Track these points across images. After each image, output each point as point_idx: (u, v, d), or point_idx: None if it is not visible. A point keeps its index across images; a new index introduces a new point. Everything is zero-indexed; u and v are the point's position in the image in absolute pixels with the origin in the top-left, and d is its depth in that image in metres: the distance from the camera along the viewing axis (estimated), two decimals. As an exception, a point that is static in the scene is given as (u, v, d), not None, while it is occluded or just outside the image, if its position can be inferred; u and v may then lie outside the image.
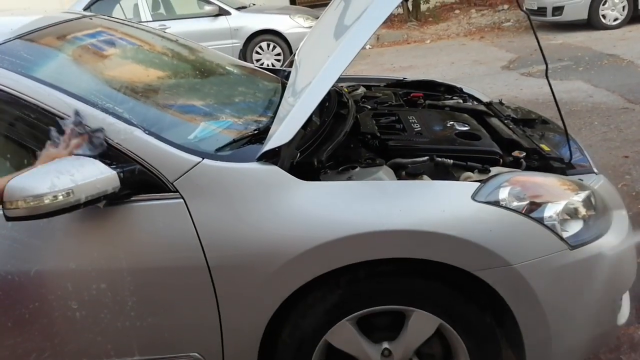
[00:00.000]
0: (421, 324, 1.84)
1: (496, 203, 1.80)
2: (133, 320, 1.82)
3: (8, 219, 1.60)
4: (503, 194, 1.82)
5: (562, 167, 2.15)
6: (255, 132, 2.02)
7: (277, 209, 1.77)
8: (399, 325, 1.89)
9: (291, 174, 1.82)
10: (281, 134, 1.81)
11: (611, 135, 4.70)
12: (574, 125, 4.94)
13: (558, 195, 1.91)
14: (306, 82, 1.96)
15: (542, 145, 2.30)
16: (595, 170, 2.18)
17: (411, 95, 2.96)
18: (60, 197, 1.60)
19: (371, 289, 1.83)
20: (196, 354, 1.86)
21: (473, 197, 1.80)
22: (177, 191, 1.77)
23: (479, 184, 1.85)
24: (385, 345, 1.88)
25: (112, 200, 1.75)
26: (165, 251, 1.78)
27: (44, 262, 1.78)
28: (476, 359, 1.87)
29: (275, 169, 1.81)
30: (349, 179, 1.94)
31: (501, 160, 2.20)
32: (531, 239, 1.79)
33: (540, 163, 2.20)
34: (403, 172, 2.05)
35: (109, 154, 1.77)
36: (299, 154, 1.88)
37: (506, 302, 1.80)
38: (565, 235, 1.83)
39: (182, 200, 1.77)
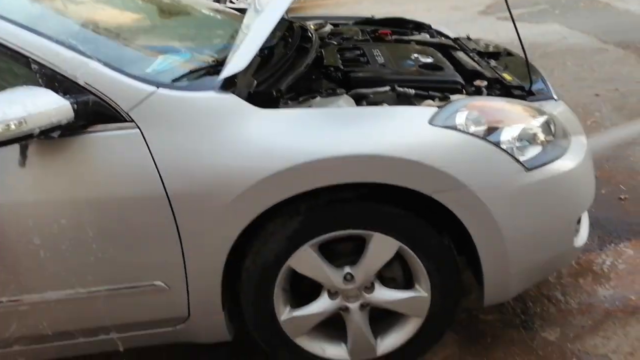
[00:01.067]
0: (381, 248, 1.87)
1: (453, 127, 1.81)
2: (95, 252, 1.82)
3: (-40, 148, 1.59)
4: (460, 118, 1.83)
5: (523, 95, 2.16)
6: (213, 63, 1.99)
7: (234, 137, 1.76)
8: (361, 251, 1.92)
9: (250, 103, 1.81)
10: (236, 61, 1.79)
11: (584, 75, 4.72)
12: (547, 66, 4.93)
13: (515, 119, 1.92)
14: (261, 10, 1.94)
15: (505, 75, 2.31)
16: (555, 97, 2.20)
17: (379, 32, 2.93)
18: (13, 127, 1.59)
19: (331, 214, 1.85)
20: (160, 283, 1.87)
21: (430, 122, 1.81)
22: (132, 121, 1.76)
23: (436, 109, 1.86)
24: (347, 269, 1.91)
25: (67, 131, 1.73)
26: (124, 182, 1.77)
27: (1, 194, 1.77)
28: (435, 280, 1.92)
29: (232, 97, 1.80)
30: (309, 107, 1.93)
31: (464, 90, 2.20)
32: (487, 161, 1.81)
33: (502, 91, 2.21)
34: (364, 102, 2.05)
35: (64, 84, 1.74)
36: (255, 83, 1.87)
37: (463, 224, 1.83)
38: (522, 158, 1.86)
39: (138, 130, 1.76)
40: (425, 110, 1.85)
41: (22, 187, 1.78)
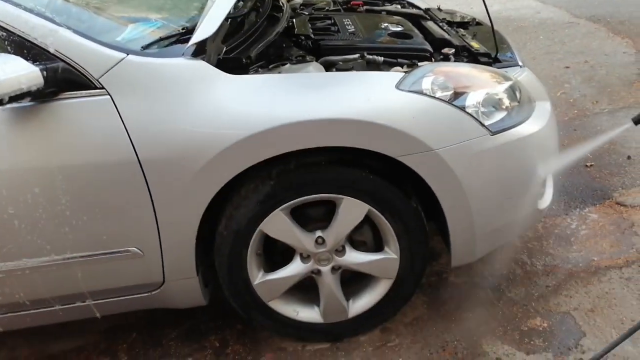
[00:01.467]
0: (350, 211, 1.91)
1: (419, 92, 1.85)
2: (69, 219, 1.84)
3: None
4: (426, 83, 1.88)
5: (489, 61, 2.21)
6: (184, 30, 2.00)
7: (204, 103, 1.78)
8: (332, 216, 1.97)
9: (219, 69, 1.83)
10: (204, 27, 1.81)
11: (555, 48, 4.79)
12: (519, 40, 5.01)
13: (481, 85, 1.97)
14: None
15: (473, 43, 2.36)
16: (520, 64, 2.25)
17: (351, 3, 2.95)
18: (-19, 92, 1.59)
19: (302, 179, 1.88)
20: (135, 249, 1.90)
21: (397, 87, 1.85)
22: (103, 88, 1.77)
23: (403, 74, 1.89)
24: (319, 233, 1.96)
25: (37, 98, 1.74)
26: (95, 148, 1.79)
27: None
28: (404, 242, 1.97)
29: (201, 64, 1.81)
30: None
31: (432, 57, 2.25)
32: (453, 125, 1.86)
33: (469, 59, 2.25)
34: (334, 69, 2.08)
35: (33, 52, 1.74)
36: (224, 49, 1.89)
37: (430, 187, 1.88)
38: (487, 122, 1.91)
39: (108, 96, 1.77)
40: (392, 75, 1.89)
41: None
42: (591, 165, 3.00)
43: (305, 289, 2.10)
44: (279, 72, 1.97)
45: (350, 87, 1.85)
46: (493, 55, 2.23)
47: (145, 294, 2.02)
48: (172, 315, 2.32)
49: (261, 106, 1.79)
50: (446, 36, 2.41)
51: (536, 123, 2.03)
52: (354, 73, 1.96)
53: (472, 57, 2.25)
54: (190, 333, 2.29)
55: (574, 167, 3.00)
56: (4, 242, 1.86)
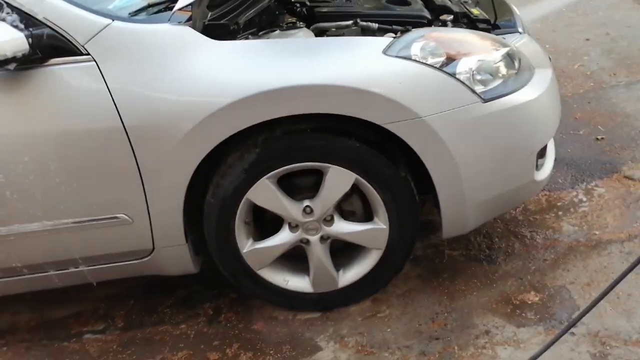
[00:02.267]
0: (337, 179, 1.89)
1: (408, 57, 1.81)
2: (58, 185, 1.86)
3: None
4: (416, 48, 1.83)
5: (487, 28, 2.15)
6: (173, -2, 1.99)
7: (188, 69, 1.78)
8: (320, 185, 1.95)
9: (205, 35, 1.82)
10: (189, -8, 1.79)
11: (576, 20, 4.62)
12: (540, 12, 4.87)
13: (474, 50, 1.91)
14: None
15: (473, 10, 2.29)
16: (520, 30, 2.18)
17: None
18: (-36, 57, 1.61)
19: (287, 147, 1.87)
20: (123, 216, 1.92)
21: (384, 52, 1.81)
22: (88, 54, 1.77)
23: (391, 39, 1.85)
24: (307, 202, 1.94)
25: (23, 64, 1.75)
26: (82, 115, 1.80)
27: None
28: (393, 212, 1.94)
29: (186, 29, 1.81)
30: (268, 41, 1.93)
31: (431, 24, 2.19)
32: (442, 92, 1.81)
33: (468, 26, 2.19)
34: (325, 36, 2.04)
35: (19, 18, 1.75)
36: (210, 15, 1.87)
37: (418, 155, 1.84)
38: (479, 89, 1.85)
39: (94, 62, 1.77)
40: (379, 41, 1.85)
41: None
42: (602, 138, 2.91)
43: (296, 259, 2.09)
44: (268, 39, 1.95)
45: (336, 53, 1.82)
46: (492, 22, 2.16)
47: (136, 261, 2.04)
48: (168, 284, 2.34)
49: (244, 72, 1.78)
50: (447, 2, 2.34)
51: (533, 91, 1.97)
52: (340, 38, 1.93)
53: (471, 23, 2.19)
54: (185, 301, 2.31)
55: (584, 139, 2.92)
56: (-5, 208, 1.89)
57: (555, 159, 2.68)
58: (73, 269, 2.04)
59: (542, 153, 2.09)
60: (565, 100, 3.31)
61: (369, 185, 1.90)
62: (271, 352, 2.01)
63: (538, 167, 2.08)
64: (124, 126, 1.78)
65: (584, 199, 2.52)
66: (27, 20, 1.75)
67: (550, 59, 2.36)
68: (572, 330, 1.89)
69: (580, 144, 2.90)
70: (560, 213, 2.46)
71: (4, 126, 1.81)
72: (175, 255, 2.02)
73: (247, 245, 2.01)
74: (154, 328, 2.20)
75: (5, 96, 1.80)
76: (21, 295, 2.29)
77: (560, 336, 1.72)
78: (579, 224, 2.37)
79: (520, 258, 2.25)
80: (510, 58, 1.98)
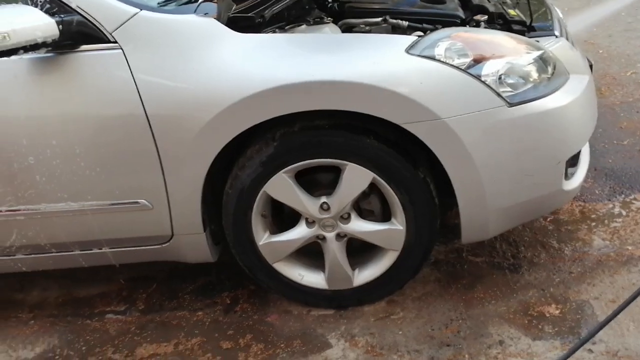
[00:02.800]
0: (355, 178, 1.87)
1: (431, 57, 1.77)
2: (83, 168, 1.92)
3: (-51, 57, 1.69)
4: (440, 48, 1.79)
5: (522, 30, 2.08)
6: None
7: (211, 60, 1.79)
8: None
9: (230, 28, 1.83)
10: (215, -16, 1.81)
11: (635, 26, 4.45)
12: (598, 15, 4.70)
13: (503, 53, 1.85)
14: None
15: (510, 11, 2.22)
16: (557, 34, 2.10)
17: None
18: (-3, 40, 1.67)
19: (305, 142, 1.86)
20: (144, 201, 1.96)
21: (407, 51, 1.77)
22: (115, 42, 1.81)
23: (416, 38, 1.82)
24: (324, 199, 1.93)
25: (54, 49, 1.81)
26: (107, 101, 1.84)
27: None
28: (410, 214, 1.91)
29: (211, 21, 1.82)
30: (294, 36, 1.93)
31: (465, 24, 2.14)
32: (464, 94, 1.77)
33: (503, 27, 2.13)
34: (353, 32, 2.02)
35: (51, 4, 1.81)
36: (234, 7, 1.88)
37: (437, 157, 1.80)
38: (506, 93, 1.80)
39: (120, 50, 1.81)
40: (402, 39, 1.82)
41: (16, 102, 1.88)
42: (647, 150, 2.78)
43: (312, 255, 2.09)
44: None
45: (357, 50, 1.80)
46: (528, 24, 2.09)
47: (156, 246, 2.08)
48: (190, 271, 2.38)
49: (266, 66, 1.78)
50: (484, 3, 2.28)
51: (565, 97, 1.89)
52: (364, 35, 1.91)
53: (506, 25, 2.12)
54: (205, 289, 2.35)
55: (628, 150, 2.79)
56: (25, 187, 1.96)
57: (595, 169, 2.61)
58: (97, 250, 2.10)
59: (573, 162, 2.02)
60: (612, 109, 3.19)
61: (386, 185, 1.88)
62: (282, 345, 2.02)
63: (568, 176, 2.00)
64: (146, 114, 1.82)
65: (620, 213, 2.41)
66: (59, 7, 1.81)
67: (591, 64, 2.28)
68: (591, 347, 1.82)
69: (622, 154, 2.78)
70: (593, 225, 2.37)
71: (36, 109, 1.87)
72: (193, 243, 2.05)
73: (263, 238, 2.02)
74: (172, 313, 2.25)
75: (37, 80, 1.86)
76: (52, 272, 2.39)
77: (575, 350, 1.65)
78: (610, 238, 2.28)
79: (545, 269, 2.18)
80: (543, 62, 1.91)
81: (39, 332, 2.25)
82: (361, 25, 2.04)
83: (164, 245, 2.07)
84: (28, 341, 2.21)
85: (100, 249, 2.10)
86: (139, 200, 1.96)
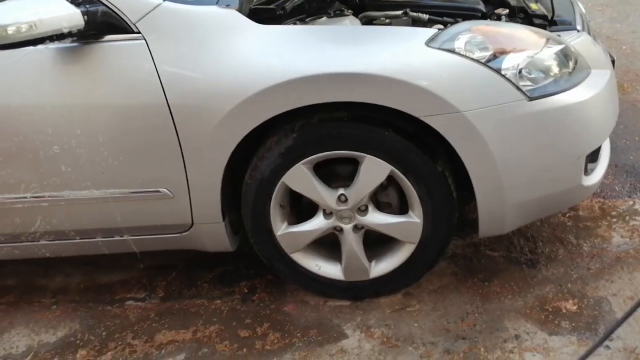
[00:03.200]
0: (372, 170, 1.88)
1: (451, 50, 1.77)
2: (106, 157, 1.95)
3: (-23, 47, 1.73)
4: (460, 41, 1.79)
5: (544, 24, 2.07)
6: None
7: (232, 51, 1.82)
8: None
9: (251, 19, 1.85)
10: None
11: (660, 22, 4.38)
12: (623, 11, 4.64)
13: (523, 46, 1.85)
14: None
15: (532, 5, 2.21)
16: (578, 28, 2.08)
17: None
18: (24, 29, 1.71)
19: (324, 134, 1.87)
20: (165, 190, 1.99)
21: (427, 43, 1.78)
22: (139, 32, 1.84)
23: (436, 30, 1.82)
24: (341, 191, 1.95)
25: (78, 39, 1.84)
26: (130, 90, 1.87)
27: (22, 96, 1.92)
28: (428, 207, 1.92)
29: (232, 12, 1.84)
30: (314, 28, 1.95)
31: (487, 18, 2.14)
32: (484, 87, 1.77)
33: (524, 21, 2.12)
34: (373, 25, 2.03)
35: (77, -5, 1.85)
36: (255, -1, 1.90)
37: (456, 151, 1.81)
38: (525, 87, 1.79)
39: (143, 41, 1.84)
40: (422, 32, 1.82)
41: (42, 92, 1.92)
42: (669, 147, 2.75)
43: (330, 247, 2.11)
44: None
45: (377, 42, 1.81)
46: (549, 18, 2.08)
47: (176, 235, 2.11)
48: (209, 260, 2.42)
49: (285, 57, 1.80)
50: (507, -4, 2.27)
51: (585, 92, 1.88)
52: (383, 28, 1.91)
53: (528, 18, 2.11)
54: (223, 278, 2.38)
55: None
56: (49, 175, 2.00)
57: (615, 166, 2.59)
58: (118, 238, 2.14)
59: (593, 157, 2.01)
60: (635, 105, 3.16)
61: (404, 178, 1.89)
62: (298, 335, 2.04)
63: (587, 172, 1.99)
64: (168, 104, 1.85)
65: (640, 210, 2.39)
66: (86, -1, 1.84)
67: (613, 60, 2.26)
68: (608, 344, 1.81)
69: (645, 151, 2.75)
70: (612, 222, 2.35)
71: (61, 99, 1.91)
72: (212, 232, 2.08)
73: (281, 228, 2.04)
74: (191, 301, 2.28)
75: (62, 70, 1.89)
76: (74, 259, 2.43)
77: (595, 349, 1.64)
78: (630, 235, 2.26)
79: (563, 265, 2.17)
80: (564, 56, 1.90)
81: (61, 317, 2.30)
82: (381, 18, 2.05)
83: (184, 234, 2.10)
84: (50, 325, 2.26)
85: (122, 236, 2.14)
86: (160, 189, 1.99)
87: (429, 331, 1.97)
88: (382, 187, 1.97)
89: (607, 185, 2.54)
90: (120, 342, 2.12)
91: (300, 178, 1.93)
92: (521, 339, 1.88)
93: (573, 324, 1.91)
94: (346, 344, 1.97)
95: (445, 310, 2.04)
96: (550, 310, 1.97)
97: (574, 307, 1.97)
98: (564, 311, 1.96)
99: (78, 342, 2.15)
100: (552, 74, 1.86)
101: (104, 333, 2.18)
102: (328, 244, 2.11)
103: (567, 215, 2.41)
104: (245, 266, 2.40)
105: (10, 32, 1.70)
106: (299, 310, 2.15)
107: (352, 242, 2.02)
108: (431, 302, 2.09)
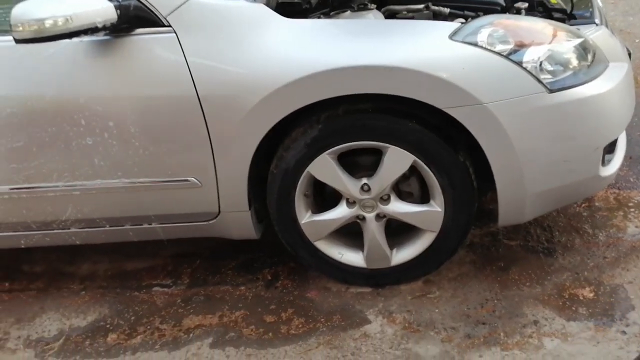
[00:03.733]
0: (396, 160, 1.94)
1: (474, 43, 1.82)
2: (136, 148, 2.02)
3: (17, 41, 1.80)
4: (483, 35, 1.84)
5: (563, 17, 2.11)
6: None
7: (260, 44, 1.87)
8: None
9: (280, 14, 1.91)
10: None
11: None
12: (635, 5, 4.65)
13: (544, 40, 1.89)
14: None
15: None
16: (597, 22, 2.13)
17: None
18: (60, 23, 1.77)
19: (349, 125, 1.93)
20: (193, 179, 2.05)
21: (451, 37, 1.83)
22: (169, 25, 1.90)
23: (458, 24, 1.87)
24: (365, 180, 2.01)
25: (111, 32, 1.90)
26: (160, 82, 1.93)
27: (57, 88, 1.98)
28: (449, 196, 1.97)
29: (260, 6, 1.90)
30: (338, 22, 2.00)
31: (506, 12, 2.18)
32: (506, 79, 1.82)
33: (543, 14, 2.17)
34: (395, 18, 2.08)
35: (111, -10, 1.90)
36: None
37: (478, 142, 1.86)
38: (546, 79, 1.84)
39: (174, 34, 1.90)
40: (446, 25, 1.87)
41: (75, 84, 1.98)
42: (684, 139, 2.79)
43: (352, 235, 2.17)
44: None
45: (402, 36, 1.86)
46: (568, 12, 2.12)
47: (203, 223, 2.18)
48: (233, 249, 2.48)
49: (311, 50, 1.85)
50: (526, -10, 2.31)
51: (604, 84, 1.93)
52: (407, 21, 1.96)
53: (547, 12, 2.16)
54: (247, 266, 2.44)
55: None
56: (81, 165, 2.07)
57: (630, 158, 2.63)
58: (146, 225, 2.21)
59: (610, 148, 2.05)
60: (650, 97, 3.18)
61: (427, 168, 1.94)
62: (322, 320, 2.10)
63: (605, 163, 2.04)
64: (198, 96, 1.91)
65: (656, 200, 2.44)
66: (119, -8, 1.90)
67: (630, 53, 2.29)
68: (624, 329, 1.86)
69: (660, 143, 2.79)
70: (628, 213, 2.40)
71: (94, 91, 1.97)
72: (238, 220, 2.14)
73: (305, 217, 2.10)
74: (216, 287, 2.35)
75: (95, 63, 1.96)
76: (101, 247, 2.51)
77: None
78: (646, 225, 2.31)
79: (580, 254, 2.22)
80: (583, 50, 1.95)
81: (90, 303, 2.37)
82: (404, 12, 2.10)
83: (211, 222, 2.16)
84: (80, 310, 2.33)
85: (150, 224, 2.21)
86: (189, 179, 2.06)
87: (449, 317, 2.03)
88: (404, 177, 2.02)
89: (622, 177, 2.59)
90: (148, 327, 2.19)
91: (325, 168, 1.99)
92: (540, 325, 1.94)
93: (590, 311, 1.96)
94: (369, 329, 2.03)
95: (465, 297, 2.10)
96: (568, 297, 2.03)
97: (591, 294, 2.02)
98: (581, 298, 2.01)
99: (108, 326, 2.22)
100: (571, 67, 1.91)
101: (132, 318, 2.25)
102: (350, 233, 2.17)
103: (583, 205, 2.46)
104: (267, 255, 2.47)
105: (47, 25, 1.76)
106: (322, 297, 2.22)
107: (374, 231, 2.08)
108: (451, 289, 2.15)
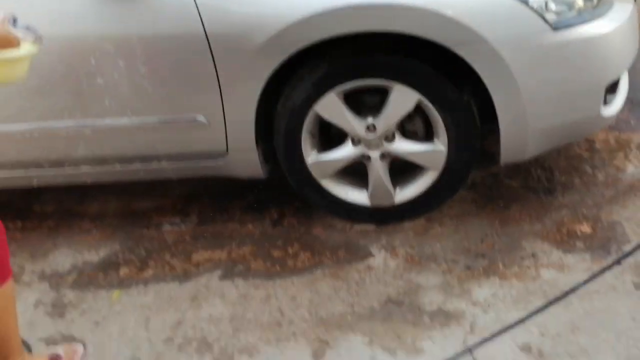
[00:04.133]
0: (401, 99, 1.97)
1: (479, -19, 1.83)
2: (146, 87, 2.05)
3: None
4: (489, -28, 1.85)
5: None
6: None
7: (269, -19, 1.89)
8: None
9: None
10: None
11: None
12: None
13: (548, -23, 1.90)
14: None
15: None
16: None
17: None
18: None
19: (355, 63, 1.96)
20: (201, 118, 2.09)
21: (456, -25, 1.84)
22: (177, -36, 1.91)
23: (464, -37, 1.87)
24: (370, 120, 2.04)
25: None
26: (169, 20, 1.96)
27: (67, 27, 2.00)
28: (452, 134, 2.01)
29: (269, -56, 1.90)
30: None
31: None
32: (510, 17, 1.84)
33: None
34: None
35: None
36: None
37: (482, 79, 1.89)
38: (550, 17, 1.86)
39: (182, -28, 1.91)
40: (453, -36, 1.87)
41: (86, 23, 2.00)
42: (686, 82, 2.80)
43: (357, 175, 2.22)
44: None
45: (408, -27, 1.86)
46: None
47: (212, 162, 2.22)
48: (241, 190, 2.54)
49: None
50: None
51: (608, 24, 1.95)
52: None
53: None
54: (253, 205, 2.50)
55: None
56: (92, 103, 2.11)
57: (631, 101, 2.65)
58: (156, 164, 2.25)
59: (612, 89, 2.08)
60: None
61: (431, 107, 1.98)
62: (327, 254, 2.18)
63: (606, 102, 2.07)
64: (206, 34, 1.93)
65: (655, 142, 2.48)
66: None
67: (636, -6, 2.29)
68: (620, 260, 1.94)
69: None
70: (626, 154, 2.44)
71: (104, 30, 1.99)
72: (246, 159, 2.19)
73: (311, 156, 2.15)
74: (224, 225, 2.42)
75: (105, 1, 1.97)
76: (111, 186, 2.56)
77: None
78: (644, 165, 2.36)
79: (579, 192, 2.28)
80: (587, -12, 1.96)
81: (101, 239, 2.44)
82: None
83: (218, 161, 2.21)
84: (91, 246, 2.41)
85: (160, 162, 2.25)
86: (196, 117, 2.09)
87: (450, 251, 2.10)
88: (408, 117, 2.06)
89: (623, 120, 2.62)
90: (159, 261, 2.27)
91: (332, 107, 2.03)
92: (537, 257, 2.01)
93: (587, 244, 2.03)
94: (372, 262, 2.11)
95: (466, 234, 2.17)
96: (566, 232, 2.09)
97: (589, 230, 2.09)
98: (579, 233, 2.08)
99: (120, 261, 2.30)
100: (577, 7, 1.92)
101: (143, 253, 2.32)
102: (355, 172, 2.22)
103: (583, 147, 2.50)
104: (273, 195, 2.52)
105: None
106: (327, 234, 2.29)
107: (378, 169, 2.13)
108: (452, 226, 2.21)
